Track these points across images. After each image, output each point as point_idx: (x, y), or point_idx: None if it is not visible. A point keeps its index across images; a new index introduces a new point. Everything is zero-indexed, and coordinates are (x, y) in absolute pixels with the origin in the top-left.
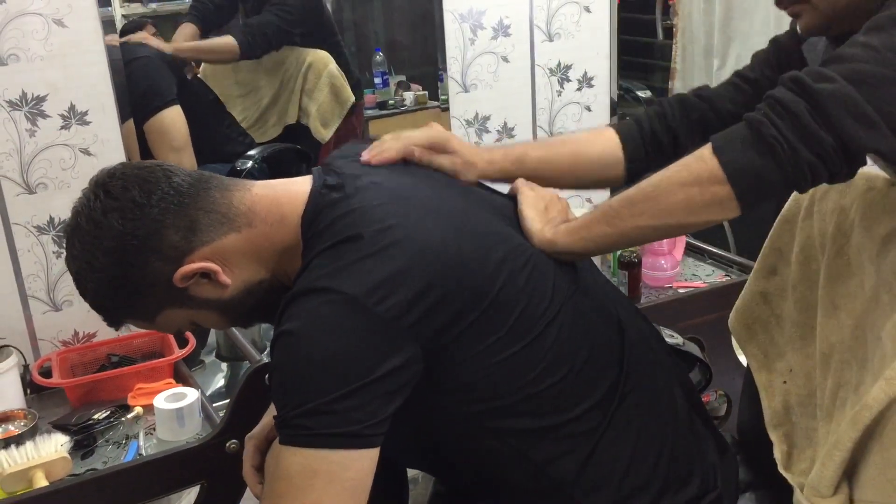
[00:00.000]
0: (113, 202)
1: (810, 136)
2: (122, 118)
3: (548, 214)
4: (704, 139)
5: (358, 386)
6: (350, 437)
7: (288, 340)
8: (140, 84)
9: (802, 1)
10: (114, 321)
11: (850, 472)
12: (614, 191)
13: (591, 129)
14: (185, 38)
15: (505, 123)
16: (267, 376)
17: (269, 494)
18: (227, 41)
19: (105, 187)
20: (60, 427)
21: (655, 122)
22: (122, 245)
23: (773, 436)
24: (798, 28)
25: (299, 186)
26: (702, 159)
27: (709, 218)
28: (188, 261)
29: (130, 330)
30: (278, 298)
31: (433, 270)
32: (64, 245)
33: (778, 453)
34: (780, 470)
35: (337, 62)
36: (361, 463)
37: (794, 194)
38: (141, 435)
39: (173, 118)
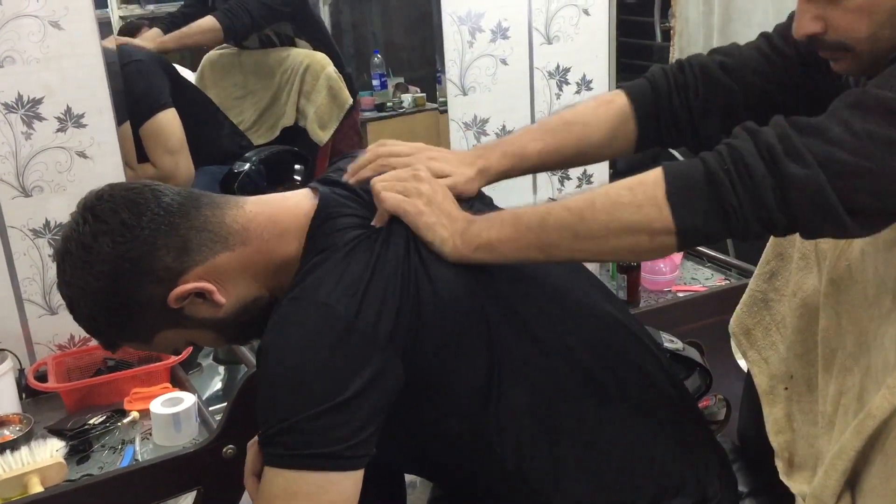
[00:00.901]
0: (102, 226)
1: (768, 214)
2: (119, 121)
3: (449, 219)
4: (725, 125)
5: (337, 402)
6: (330, 458)
7: (263, 356)
8: (135, 87)
9: (844, 49)
10: (109, 344)
11: (852, 482)
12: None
13: (598, 99)
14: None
15: (504, 126)
16: None
17: None
18: (208, 20)
19: (93, 211)
20: (56, 432)
21: (675, 96)
22: (114, 269)
23: (775, 443)
24: (833, 68)
25: (297, 200)
26: (655, 203)
27: (648, 259)
28: (182, 281)
29: None
30: None
31: (414, 288)
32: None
33: (779, 461)
34: (782, 478)
35: (327, 54)
36: (342, 486)
37: None
38: (137, 440)
39: (169, 121)
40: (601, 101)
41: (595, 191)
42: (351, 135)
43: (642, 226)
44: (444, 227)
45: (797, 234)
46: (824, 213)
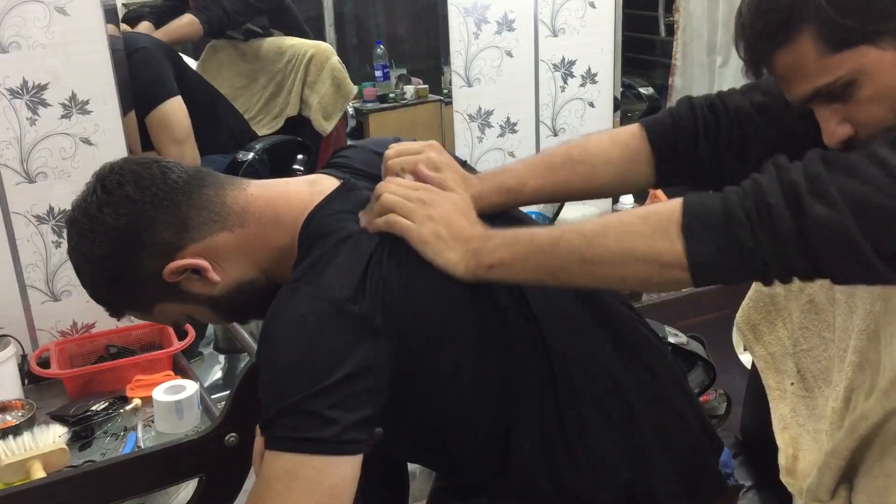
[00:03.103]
0: (108, 197)
1: (786, 259)
2: (124, 108)
3: (458, 241)
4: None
5: (331, 382)
6: (329, 442)
7: (261, 343)
8: (141, 76)
9: (852, 137)
10: (113, 312)
11: (850, 477)
12: None
13: (613, 136)
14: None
15: (508, 118)
16: None
17: (252, 497)
18: (187, 17)
19: (103, 182)
20: (58, 418)
21: (703, 142)
22: (115, 239)
23: (780, 439)
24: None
25: (297, 188)
26: (667, 235)
27: (658, 291)
28: (179, 256)
29: (131, 321)
30: (271, 298)
31: (407, 273)
32: (63, 235)
33: (783, 458)
34: (782, 477)
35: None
36: (342, 470)
37: None
38: (139, 427)
39: (175, 110)
40: (615, 139)
41: (610, 216)
42: (340, 124)
43: (651, 257)
44: (454, 250)
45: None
46: (853, 259)
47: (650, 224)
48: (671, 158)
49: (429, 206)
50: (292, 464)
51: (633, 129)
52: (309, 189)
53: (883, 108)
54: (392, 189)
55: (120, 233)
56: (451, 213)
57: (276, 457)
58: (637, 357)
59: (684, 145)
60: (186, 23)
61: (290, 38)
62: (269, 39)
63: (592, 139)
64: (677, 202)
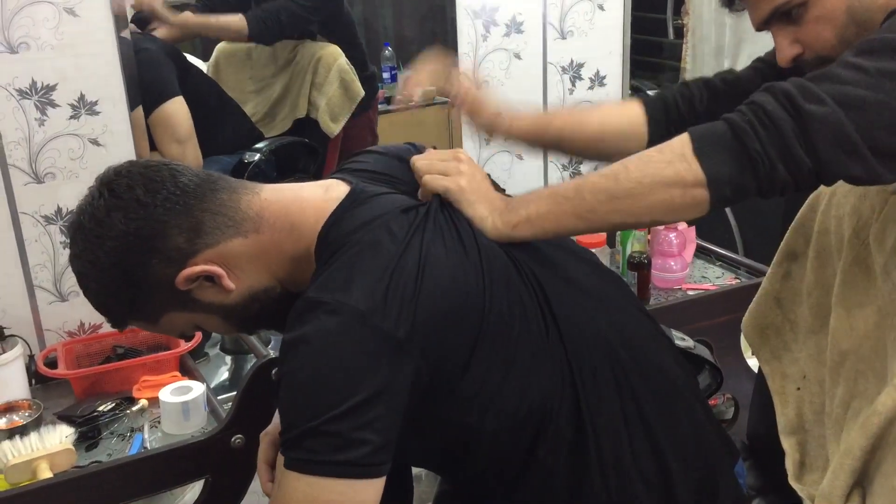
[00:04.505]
0: (117, 201)
1: (791, 156)
2: (132, 109)
3: (487, 201)
4: None
5: (357, 401)
6: (353, 465)
7: (283, 356)
8: (143, 76)
9: (826, 62)
10: (117, 322)
11: (863, 480)
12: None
13: (616, 102)
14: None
15: None
16: (274, 371)
17: None
18: (236, 19)
19: (110, 186)
20: (65, 418)
21: (682, 105)
22: (125, 245)
23: (786, 444)
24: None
25: (311, 193)
26: (684, 159)
27: (682, 218)
28: (191, 263)
29: None
30: (285, 307)
31: (435, 288)
32: None
33: (790, 462)
34: (791, 481)
35: (352, 54)
36: (365, 493)
37: (811, 197)
38: (146, 428)
39: (176, 110)
40: (618, 103)
41: (626, 158)
42: (365, 133)
43: (674, 179)
44: (484, 206)
45: (821, 185)
46: (847, 149)
47: (666, 153)
48: (660, 118)
49: (461, 162)
50: (314, 488)
51: (627, 99)
52: (324, 195)
53: (827, 28)
54: (425, 155)
55: (130, 238)
56: (480, 174)
57: (297, 479)
58: (658, 373)
59: (668, 107)
60: (234, 28)
61: (300, 41)
62: (279, 42)
63: (599, 104)
64: (683, 134)
